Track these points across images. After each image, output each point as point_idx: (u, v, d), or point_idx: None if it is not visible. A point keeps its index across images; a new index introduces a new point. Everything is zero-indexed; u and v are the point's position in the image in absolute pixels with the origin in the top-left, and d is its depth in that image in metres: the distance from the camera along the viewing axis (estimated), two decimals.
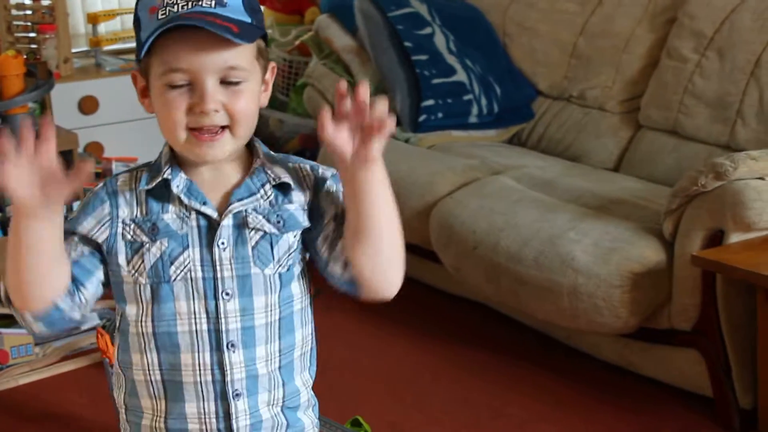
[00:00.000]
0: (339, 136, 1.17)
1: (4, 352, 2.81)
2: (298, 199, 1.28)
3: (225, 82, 1.21)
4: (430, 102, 3.36)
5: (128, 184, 1.28)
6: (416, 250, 3.08)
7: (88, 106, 3.84)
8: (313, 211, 1.28)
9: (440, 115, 3.39)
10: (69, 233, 1.25)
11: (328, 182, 1.29)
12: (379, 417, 2.47)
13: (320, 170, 1.31)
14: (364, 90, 1.17)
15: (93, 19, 4.14)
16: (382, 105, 1.17)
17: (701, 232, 2.37)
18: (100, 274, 1.27)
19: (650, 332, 2.53)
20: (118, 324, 1.32)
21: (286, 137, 4.20)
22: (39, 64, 3.21)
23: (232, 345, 1.25)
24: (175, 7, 1.19)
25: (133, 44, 4.22)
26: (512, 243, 2.67)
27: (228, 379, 1.26)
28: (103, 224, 1.26)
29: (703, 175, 2.35)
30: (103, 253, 1.27)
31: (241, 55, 1.22)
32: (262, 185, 1.27)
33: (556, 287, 2.53)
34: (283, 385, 1.30)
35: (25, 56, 3.13)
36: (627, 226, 2.55)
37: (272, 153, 1.31)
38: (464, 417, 2.56)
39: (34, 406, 2.65)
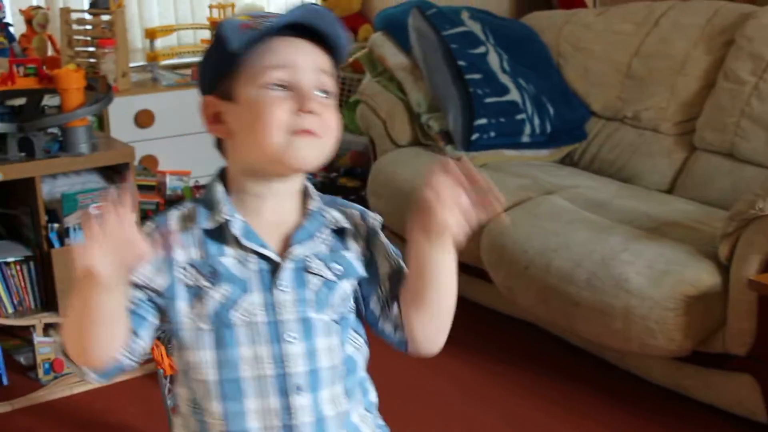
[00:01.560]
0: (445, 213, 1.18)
1: (59, 361, 2.86)
2: (354, 247, 1.29)
3: (318, 90, 1.22)
4: (483, 121, 3.37)
5: (181, 225, 1.25)
6: (467, 269, 3.09)
7: (143, 119, 3.90)
8: (369, 264, 1.30)
9: (493, 134, 3.39)
10: None
11: (380, 235, 1.31)
12: None
13: (369, 219, 1.31)
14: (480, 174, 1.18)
15: (151, 35, 4.21)
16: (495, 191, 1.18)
17: (758, 256, 2.34)
18: (154, 321, 1.24)
19: (704, 356, 2.51)
20: (179, 368, 1.29)
21: (337, 154, 4.21)
22: (99, 78, 3.26)
23: (299, 388, 1.23)
24: (270, 21, 1.22)
25: (189, 59, 4.29)
26: (565, 263, 2.66)
27: (295, 422, 1.23)
28: (161, 270, 1.22)
29: (760, 198, 2.33)
30: (156, 300, 1.23)
31: (330, 64, 1.24)
32: (320, 229, 1.27)
33: (608, 309, 2.52)
34: (348, 425, 1.29)
35: (84, 70, 3.18)
36: (681, 249, 2.53)
37: (319, 193, 1.31)
38: None
39: (87, 415, 2.68)
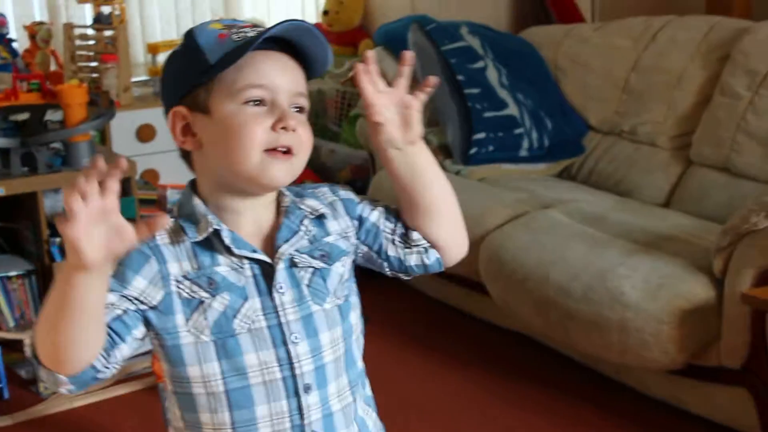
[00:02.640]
0: (388, 125, 1.23)
1: None
2: (334, 228, 1.29)
3: (292, 107, 1.22)
4: (482, 135, 3.39)
5: (169, 238, 1.22)
6: (465, 282, 3.11)
7: (145, 134, 3.93)
8: (361, 225, 1.31)
9: (491, 148, 3.42)
10: (111, 291, 1.16)
11: (355, 199, 1.33)
12: None
13: (341, 192, 1.33)
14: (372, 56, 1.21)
15: (153, 49, 4.24)
16: (408, 57, 1.23)
17: (752, 271, 2.36)
18: (138, 334, 1.20)
19: (699, 369, 2.52)
20: (171, 388, 1.25)
21: (337, 167, 4.25)
22: (102, 93, 3.30)
23: (308, 387, 1.23)
24: (248, 33, 1.20)
25: None
26: (561, 277, 2.68)
27: (306, 422, 1.23)
28: (156, 283, 1.19)
29: (755, 213, 2.35)
30: (147, 314, 1.19)
31: (305, 84, 1.25)
32: (301, 221, 1.26)
33: (604, 322, 2.54)
34: (354, 419, 1.30)
35: (86, 85, 3.21)
36: (677, 263, 2.55)
37: (289, 188, 1.30)
38: None
39: (87, 429, 2.70)
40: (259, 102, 1.20)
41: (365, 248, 1.32)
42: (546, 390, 2.85)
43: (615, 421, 2.67)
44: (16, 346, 3.06)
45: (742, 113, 3.04)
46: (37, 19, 4.10)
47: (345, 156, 4.13)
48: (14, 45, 3.91)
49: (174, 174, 3.85)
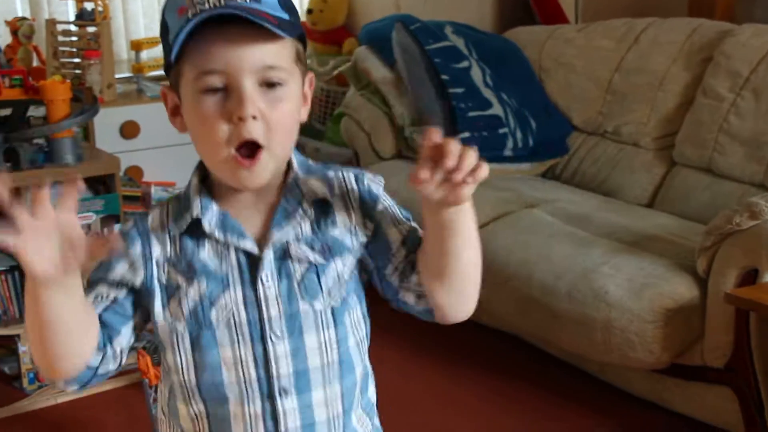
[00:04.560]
0: (428, 182, 1.04)
1: None
2: (343, 220, 1.17)
3: (264, 85, 1.09)
4: (466, 134, 3.40)
5: (159, 220, 1.17)
6: None
7: (129, 130, 3.91)
8: (376, 234, 1.18)
9: (475, 147, 3.42)
10: (99, 281, 1.14)
11: (381, 199, 1.19)
12: None
13: (366, 182, 1.19)
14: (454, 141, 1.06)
15: (136, 46, 4.22)
16: (474, 153, 1.05)
17: (735, 270, 2.38)
18: (136, 320, 1.16)
19: (683, 368, 2.54)
20: (164, 366, 1.21)
21: None
22: (85, 90, 3.27)
23: (285, 391, 1.14)
24: (206, 4, 1.07)
25: None
26: (546, 276, 2.69)
27: (282, 428, 1.15)
28: (138, 266, 1.15)
29: (738, 214, 2.37)
30: (140, 296, 1.16)
31: (281, 55, 1.10)
32: (299, 203, 1.15)
33: (589, 321, 2.55)
34: (344, 429, 1.20)
35: (69, 81, 3.19)
36: (661, 262, 2.57)
37: (310, 163, 1.20)
38: None
39: (72, 425, 2.69)
40: (216, 89, 1.08)
41: (369, 255, 1.19)
42: (529, 388, 2.87)
43: (599, 420, 2.69)
44: None
45: (725, 115, 3.07)
46: (20, 14, 4.07)
47: (330, 155, 4.13)
48: None
49: (158, 171, 3.84)
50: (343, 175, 1.19)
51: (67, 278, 1.01)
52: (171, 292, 1.14)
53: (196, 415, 1.17)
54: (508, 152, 3.51)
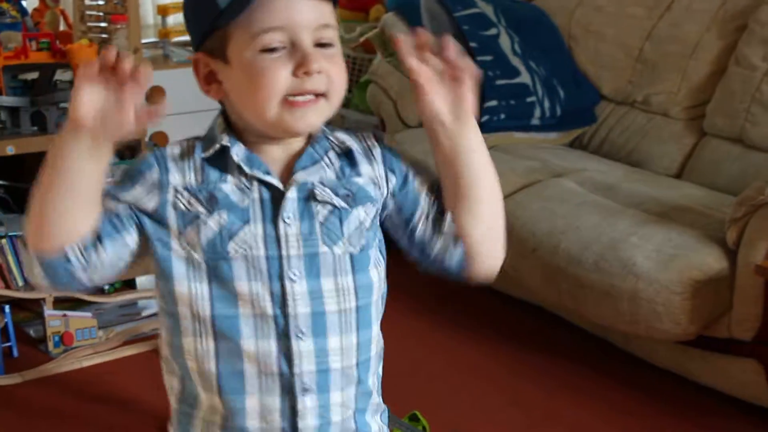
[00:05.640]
0: (435, 99, 1.12)
1: (69, 334, 2.88)
2: (367, 171, 1.18)
3: (319, 45, 1.11)
4: (494, 103, 3.37)
5: (180, 150, 1.15)
6: None
7: (154, 96, 3.90)
8: (403, 186, 1.19)
9: (503, 116, 3.40)
10: (108, 195, 1.12)
11: (401, 158, 1.21)
12: (435, 414, 2.49)
13: (384, 143, 1.23)
14: (426, 38, 1.12)
15: (163, 11, 4.22)
16: (449, 44, 1.12)
17: (765, 242, 2.35)
18: (129, 241, 1.13)
19: (709, 341, 2.52)
20: (162, 305, 1.17)
21: None
22: None
23: (302, 332, 1.13)
24: None
25: None
26: (573, 246, 2.67)
27: (296, 371, 1.14)
28: (152, 191, 1.13)
29: None
30: (143, 225, 1.13)
31: (332, 14, 1.13)
32: (326, 152, 1.17)
33: (615, 292, 2.53)
34: (358, 384, 1.19)
35: (97, 45, 3.19)
36: (689, 233, 2.54)
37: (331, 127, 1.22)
38: (519, 418, 2.57)
39: (96, 388, 2.71)
40: (277, 47, 1.09)
41: (396, 209, 1.20)
42: (555, 358, 2.86)
43: (625, 391, 2.67)
44: (25, 305, 3.07)
45: (758, 84, 3.02)
46: None
47: (355, 122, 4.11)
48: (23, 3, 3.87)
49: (183, 136, 3.84)
50: (364, 134, 1.22)
51: (101, 143, 1.04)
52: (189, 220, 1.12)
53: (203, 350, 1.14)
54: (535, 121, 3.48)
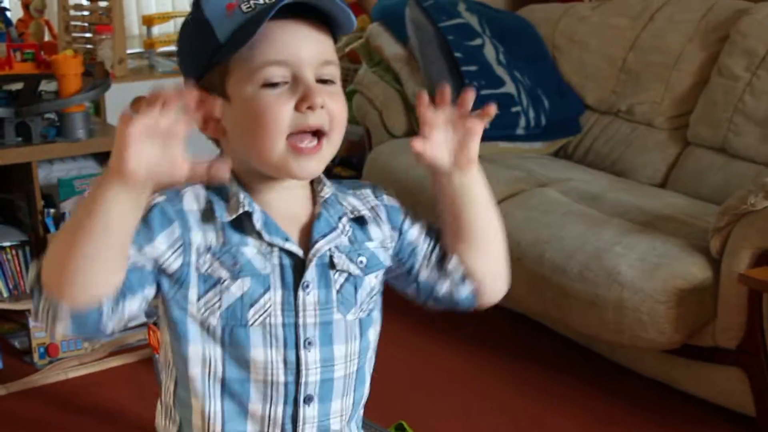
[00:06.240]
0: (434, 148, 1.14)
1: (54, 345, 2.87)
2: (377, 235, 1.19)
3: (320, 81, 1.09)
4: (478, 113, 3.37)
5: (197, 205, 1.10)
6: None
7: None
8: (404, 238, 1.22)
9: (487, 126, 3.40)
10: (134, 245, 1.05)
11: (400, 209, 1.23)
12: (421, 423, 2.49)
13: (384, 197, 1.23)
14: (449, 93, 1.15)
15: (148, 21, 4.22)
16: (470, 98, 1.16)
17: (749, 251, 2.37)
18: (148, 294, 1.09)
19: (694, 349, 2.53)
20: (171, 359, 1.16)
21: None
22: (97, 64, 3.27)
23: (310, 399, 1.14)
24: (259, 0, 1.07)
25: None
26: (557, 255, 2.68)
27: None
28: (176, 250, 1.08)
29: (753, 194, 2.35)
30: (161, 284, 1.10)
31: (332, 50, 1.12)
32: (339, 218, 1.16)
33: (600, 301, 2.54)
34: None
35: (82, 56, 3.18)
36: (674, 243, 2.55)
37: (328, 179, 1.20)
38: (505, 427, 2.57)
39: (82, 399, 2.70)
40: (279, 83, 1.07)
41: (397, 264, 1.22)
42: (540, 368, 2.86)
43: (610, 400, 2.68)
44: (10, 316, 3.06)
45: (740, 94, 3.04)
46: None
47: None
48: (8, 14, 3.87)
49: None
50: (365, 192, 1.22)
51: (144, 190, 0.97)
52: (211, 284, 1.09)
53: (212, 411, 1.14)
54: (520, 131, 3.49)
